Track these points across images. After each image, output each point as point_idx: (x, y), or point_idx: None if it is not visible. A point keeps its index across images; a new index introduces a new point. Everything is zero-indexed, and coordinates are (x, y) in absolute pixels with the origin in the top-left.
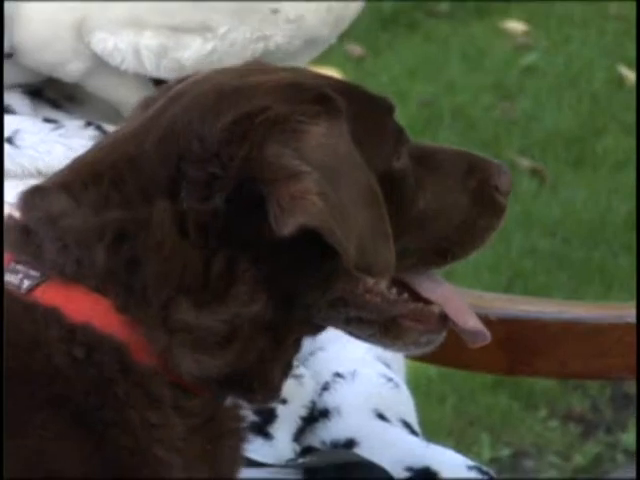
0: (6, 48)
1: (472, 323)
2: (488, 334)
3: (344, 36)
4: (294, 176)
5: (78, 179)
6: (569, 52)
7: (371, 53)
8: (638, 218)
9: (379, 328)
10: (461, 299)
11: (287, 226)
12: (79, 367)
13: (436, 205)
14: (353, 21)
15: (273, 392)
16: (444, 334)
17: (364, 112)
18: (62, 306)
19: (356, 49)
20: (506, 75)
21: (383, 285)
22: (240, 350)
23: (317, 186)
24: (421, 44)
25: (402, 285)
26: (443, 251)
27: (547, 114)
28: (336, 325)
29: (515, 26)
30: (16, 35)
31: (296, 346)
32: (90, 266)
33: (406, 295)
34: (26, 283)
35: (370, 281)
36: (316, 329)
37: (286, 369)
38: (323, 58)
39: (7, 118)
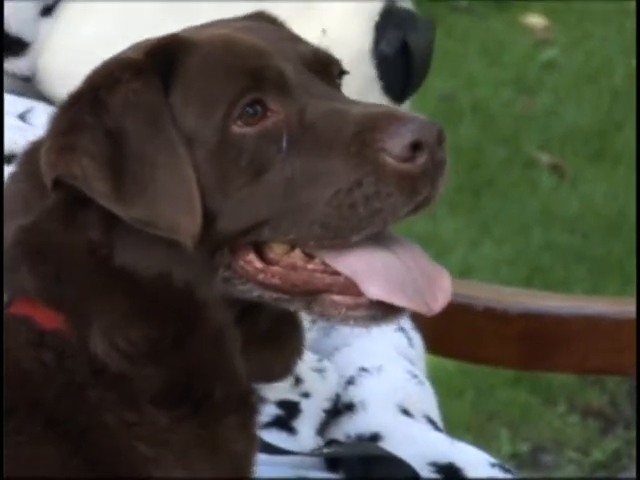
0: (27, 71)
1: (374, 290)
2: (400, 305)
3: None
4: (69, 130)
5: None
6: (589, 48)
7: None
8: (638, 216)
9: (302, 303)
10: (375, 265)
11: (47, 179)
12: (49, 371)
13: (307, 173)
14: None
15: (237, 380)
16: (395, 309)
17: (203, 73)
18: (33, 316)
19: None
20: (526, 70)
21: (296, 256)
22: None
23: (85, 141)
24: (441, 39)
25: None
26: (324, 225)
27: (566, 109)
28: (266, 302)
29: (535, 21)
30: (41, 61)
31: (246, 328)
32: (27, 287)
33: (322, 267)
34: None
35: (249, 255)
36: (253, 309)
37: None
38: None
39: (22, 100)
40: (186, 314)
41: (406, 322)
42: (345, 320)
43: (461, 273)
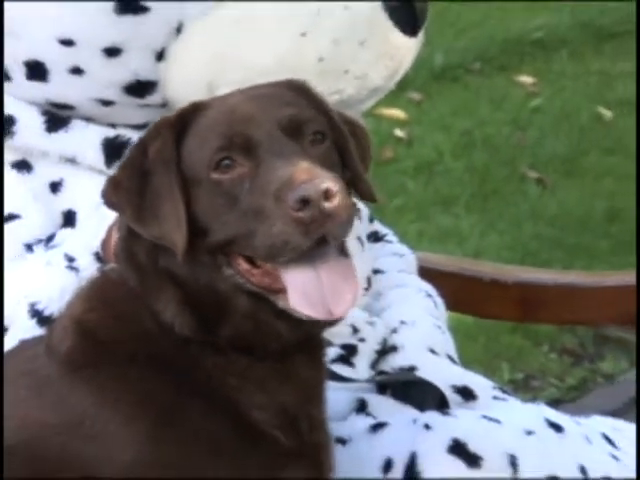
0: (161, 100)
1: (292, 303)
2: (306, 313)
3: (407, 86)
4: (121, 167)
5: None
6: (564, 98)
7: (426, 98)
8: (637, 221)
9: (274, 298)
10: (297, 282)
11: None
12: (164, 330)
13: (253, 211)
14: (413, 75)
15: (283, 338)
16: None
17: (200, 130)
18: None
19: (416, 95)
20: (520, 113)
21: (269, 265)
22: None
23: (125, 178)
24: (460, 92)
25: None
26: (260, 249)
27: (548, 141)
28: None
29: (526, 79)
30: (167, 92)
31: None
32: (129, 280)
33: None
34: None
35: (238, 259)
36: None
37: (291, 328)
38: (392, 102)
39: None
40: (219, 301)
41: (433, 291)
42: (299, 314)
43: (474, 255)
